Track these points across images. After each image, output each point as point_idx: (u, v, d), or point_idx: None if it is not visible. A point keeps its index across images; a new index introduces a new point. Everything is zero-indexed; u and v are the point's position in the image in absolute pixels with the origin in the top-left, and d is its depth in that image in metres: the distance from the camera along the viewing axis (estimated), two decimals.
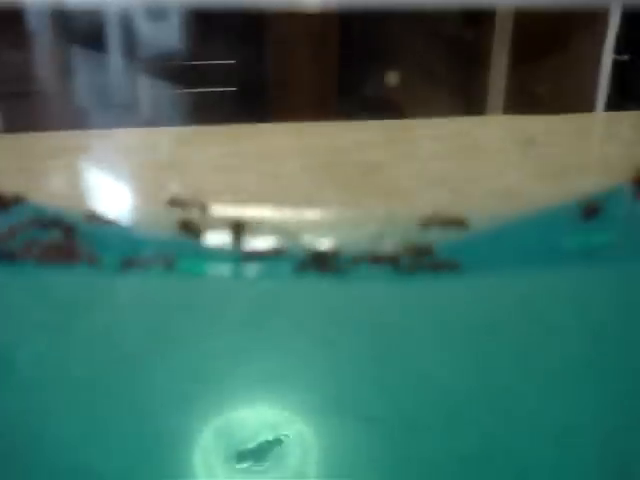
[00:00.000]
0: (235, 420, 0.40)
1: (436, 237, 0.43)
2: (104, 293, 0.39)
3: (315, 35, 0.74)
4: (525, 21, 0.74)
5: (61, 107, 0.62)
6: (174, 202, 0.43)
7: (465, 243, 0.44)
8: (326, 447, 0.40)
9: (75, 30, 0.61)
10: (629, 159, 0.47)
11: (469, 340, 0.40)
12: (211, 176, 0.53)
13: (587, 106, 0.74)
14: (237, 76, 0.74)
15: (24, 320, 0.39)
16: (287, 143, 0.60)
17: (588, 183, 0.48)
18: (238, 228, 0.41)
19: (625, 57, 0.87)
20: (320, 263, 0.40)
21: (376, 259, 0.40)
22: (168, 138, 0.57)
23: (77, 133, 0.58)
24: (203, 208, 0.43)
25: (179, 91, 0.69)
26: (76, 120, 0.60)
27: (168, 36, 0.68)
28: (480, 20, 0.76)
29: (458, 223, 0.44)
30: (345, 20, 0.76)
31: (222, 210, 0.43)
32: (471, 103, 0.73)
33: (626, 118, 0.63)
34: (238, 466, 0.38)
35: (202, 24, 0.68)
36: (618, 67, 0.85)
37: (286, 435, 0.39)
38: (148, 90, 0.66)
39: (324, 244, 0.41)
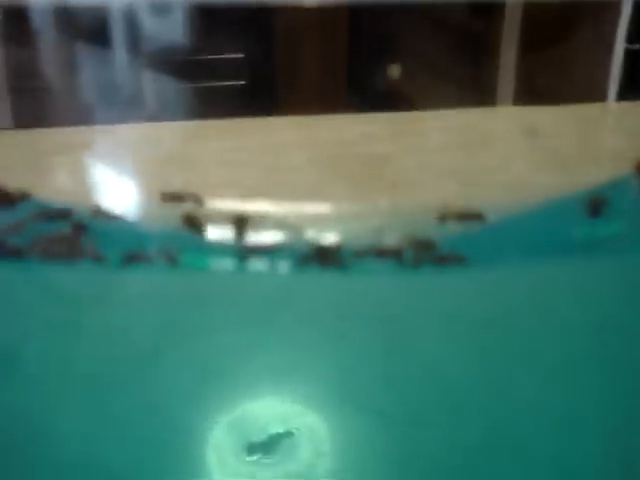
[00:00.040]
0: (244, 413, 0.40)
1: (441, 230, 0.43)
2: (108, 288, 0.39)
3: (323, 28, 0.74)
4: (535, 11, 0.73)
5: (69, 103, 0.62)
6: (167, 197, 0.43)
7: (471, 236, 0.44)
8: (334, 439, 0.40)
9: (83, 26, 0.61)
10: (637, 150, 0.47)
11: (475, 333, 0.40)
12: (217, 170, 0.53)
13: (599, 96, 0.73)
14: (245, 70, 0.74)
15: (29, 315, 0.39)
16: (294, 136, 0.60)
17: (595, 174, 0.48)
18: (241, 222, 0.42)
19: (638, 46, 0.86)
20: (324, 257, 0.40)
21: (381, 252, 0.40)
22: (175, 133, 0.57)
23: (85, 129, 0.59)
24: (199, 202, 0.43)
25: (187, 86, 0.69)
26: (84, 116, 0.60)
27: (175, 31, 0.68)
28: (489, 10, 0.76)
29: (475, 217, 0.44)
30: (354, 12, 0.76)
31: (226, 204, 0.44)
32: (481, 94, 0.73)
33: (637, 108, 0.62)
34: (248, 459, 0.38)
35: (210, 18, 0.68)
36: (630, 56, 0.84)
37: (295, 428, 0.39)
38: (156, 85, 0.66)
39: (328, 238, 0.41)
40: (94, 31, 0.62)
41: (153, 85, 0.66)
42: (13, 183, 0.43)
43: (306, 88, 0.73)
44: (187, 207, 0.43)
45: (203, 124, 0.61)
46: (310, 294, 0.39)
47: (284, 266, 0.40)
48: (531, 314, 0.40)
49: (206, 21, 0.69)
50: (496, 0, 0.72)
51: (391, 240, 0.41)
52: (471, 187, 0.51)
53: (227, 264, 0.42)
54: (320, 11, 0.71)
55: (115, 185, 0.49)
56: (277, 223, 0.43)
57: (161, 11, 0.66)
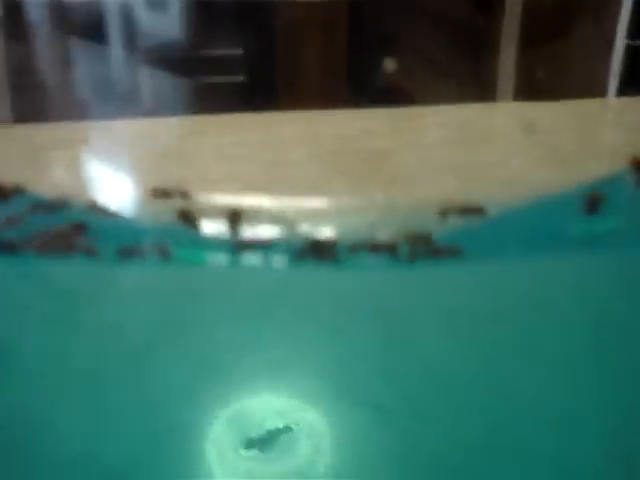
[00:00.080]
0: (241, 409, 0.40)
1: (440, 224, 0.43)
2: (103, 283, 0.39)
3: (323, 23, 0.73)
4: (535, 6, 0.73)
5: (68, 99, 0.62)
6: (157, 193, 0.43)
7: (469, 230, 0.44)
8: (332, 435, 0.40)
9: (82, 22, 0.61)
10: (635, 146, 0.47)
11: (473, 327, 0.40)
12: (216, 165, 0.53)
13: (599, 92, 0.73)
14: (244, 65, 0.74)
15: (22, 310, 0.39)
16: (294, 132, 0.60)
17: (594, 170, 0.47)
18: (235, 217, 0.41)
19: (638, 42, 0.86)
20: (319, 251, 0.40)
21: (377, 247, 0.40)
22: (174, 128, 0.57)
23: (84, 124, 0.58)
24: (186, 197, 0.43)
25: (186, 81, 0.69)
26: (83, 111, 0.60)
27: (174, 26, 0.68)
28: (489, 5, 0.76)
29: (476, 211, 0.44)
30: (354, 7, 0.76)
31: (222, 199, 0.43)
32: (480, 90, 0.73)
33: (637, 104, 0.62)
34: (246, 454, 0.38)
35: (208, 13, 0.68)
36: (631, 52, 0.84)
37: (293, 423, 0.39)
38: (154, 81, 0.66)
39: (325, 232, 0.41)
40: (92, 27, 0.62)
41: (152, 81, 0.66)
42: (10, 177, 0.43)
43: (306, 83, 0.73)
44: (178, 202, 0.43)
45: (202, 119, 0.61)
46: (306, 289, 0.39)
47: (279, 261, 0.40)
48: (529, 308, 0.40)
49: (204, 16, 0.69)
50: None
51: (387, 234, 0.41)
52: (471, 182, 0.51)
53: (222, 259, 0.42)
54: (320, 6, 0.71)
55: (112, 180, 0.49)
56: (272, 218, 0.42)
57: (160, 6, 0.66)
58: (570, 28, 0.73)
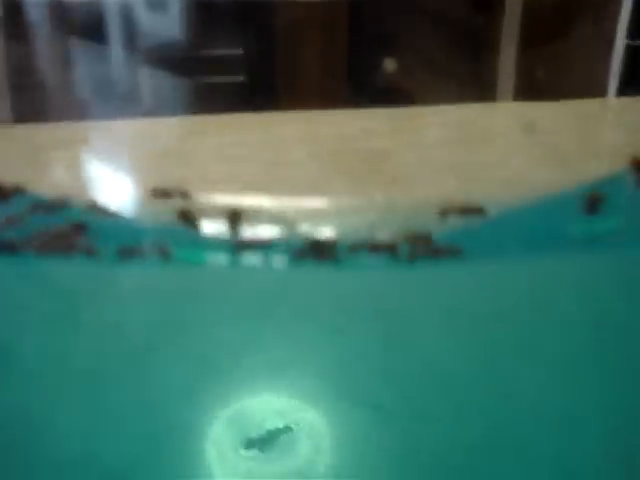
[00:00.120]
0: (241, 409, 0.40)
1: (440, 224, 0.43)
2: (103, 283, 0.39)
3: (323, 23, 0.73)
4: (535, 6, 0.73)
5: (69, 99, 0.62)
6: (157, 193, 0.43)
7: (469, 230, 0.44)
8: (332, 434, 0.40)
9: (82, 23, 0.61)
10: (635, 146, 0.47)
11: (473, 327, 0.40)
12: (216, 165, 0.53)
13: (599, 92, 0.73)
14: (244, 66, 0.74)
15: (22, 310, 0.39)
16: (294, 132, 0.60)
17: (594, 170, 0.47)
18: (235, 217, 0.41)
19: (638, 42, 0.86)
20: (319, 251, 0.40)
21: (377, 247, 0.40)
22: (174, 129, 0.57)
23: (84, 124, 0.58)
24: (186, 197, 0.43)
25: (186, 82, 0.69)
26: (84, 112, 0.60)
27: (174, 26, 0.68)
28: (489, 5, 0.76)
29: (476, 211, 0.44)
30: (354, 7, 0.76)
31: (222, 199, 0.43)
32: (481, 90, 0.73)
33: (637, 104, 0.62)
34: (246, 454, 0.38)
35: (208, 13, 0.68)
36: (631, 52, 0.84)
37: (293, 423, 0.39)
38: (155, 81, 0.66)
39: (325, 232, 0.41)
40: (93, 27, 0.62)
41: (152, 81, 0.66)
42: (10, 177, 0.43)
43: (306, 83, 0.73)
44: (178, 202, 0.43)
45: (202, 119, 0.61)
46: (306, 289, 0.39)
47: (279, 261, 0.40)
48: (529, 308, 0.40)
49: (204, 16, 0.69)
50: None
51: (387, 234, 0.41)
52: (471, 182, 0.51)
53: (222, 259, 0.42)
54: (320, 6, 0.71)
55: (112, 180, 0.49)
56: (272, 217, 0.42)
57: (160, 6, 0.66)
58: (570, 28, 0.73)
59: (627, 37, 0.84)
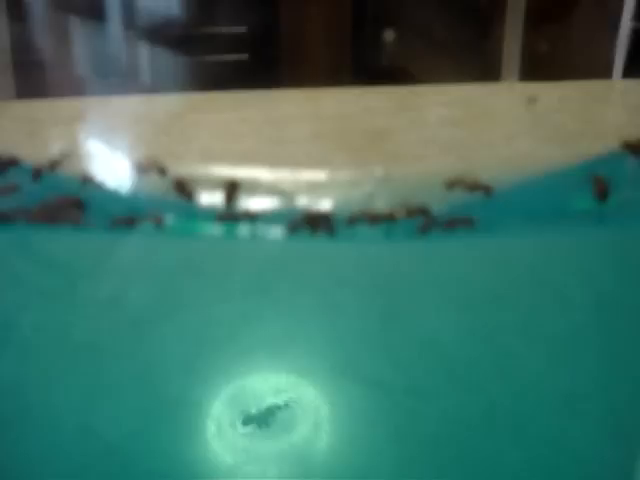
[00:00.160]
0: (240, 385, 0.40)
1: (439, 198, 0.43)
2: (98, 257, 0.38)
3: (327, 1, 0.73)
4: None
5: (73, 75, 0.62)
6: (140, 167, 0.43)
7: (471, 205, 0.44)
8: (331, 411, 0.40)
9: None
10: (637, 126, 0.47)
11: (472, 303, 0.40)
12: (216, 141, 0.53)
13: (604, 73, 0.73)
14: (248, 43, 0.74)
15: (17, 282, 0.39)
16: (296, 109, 0.60)
17: (595, 148, 0.47)
18: (232, 188, 0.41)
19: None
20: (316, 223, 0.40)
21: (374, 218, 0.40)
22: (176, 105, 0.57)
23: (86, 100, 0.58)
24: (162, 172, 0.43)
25: (190, 59, 0.69)
26: (87, 88, 0.60)
27: (177, 4, 0.67)
28: None
29: (481, 188, 0.44)
30: None
31: (219, 171, 0.43)
32: (486, 69, 0.72)
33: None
34: (243, 430, 0.38)
35: None
36: (637, 35, 0.83)
37: (292, 399, 0.39)
38: (158, 58, 0.66)
39: (321, 204, 0.41)
40: (96, 5, 0.62)
41: (156, 59, 0.66)
42: (8, 151, 0.43)
43: (309, 61, 0.72)
44: (163, 177, 0.43)
45: (204, 97, 0.61)
46: (303, 262, 0.39)
47: (276, 233, 0.40)
48: (534, 285, 0.40)
49: None
50: None
51: (385, 206, 0.41)
52: (474, 161, 0.51)
53: (218, 231, 0.41)
54: None
55: (110, 154, 0.49)
56: (269, 189, 0.42)
57: None
58: (576, 10, 0.73)
59: (632, 19, 0.84)
